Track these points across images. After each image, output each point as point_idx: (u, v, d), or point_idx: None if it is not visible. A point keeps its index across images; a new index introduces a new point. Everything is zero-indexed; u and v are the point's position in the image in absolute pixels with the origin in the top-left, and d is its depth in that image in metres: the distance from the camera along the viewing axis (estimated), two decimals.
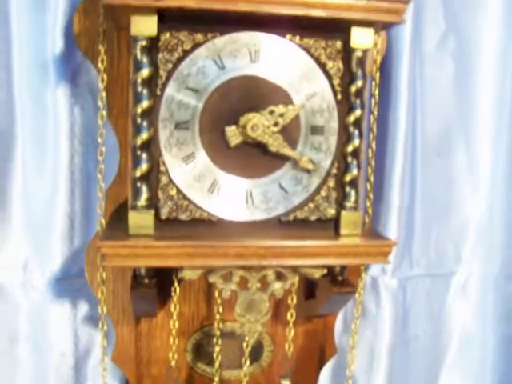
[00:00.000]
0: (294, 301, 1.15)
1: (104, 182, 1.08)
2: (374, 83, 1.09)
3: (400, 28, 1.20)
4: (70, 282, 1.22)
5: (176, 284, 1.06)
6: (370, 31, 0.98)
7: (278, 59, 0.98)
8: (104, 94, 1.05)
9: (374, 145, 1.10)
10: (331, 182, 1.02)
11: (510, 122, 1.34)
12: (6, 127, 1.13)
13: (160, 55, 0.95)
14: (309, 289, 1.21)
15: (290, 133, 0.99)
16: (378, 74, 1.08)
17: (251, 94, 0.98)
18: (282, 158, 0.99)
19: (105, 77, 1.04)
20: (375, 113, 1.09)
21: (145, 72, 0.93)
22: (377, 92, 1.09)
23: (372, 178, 1.11)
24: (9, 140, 1.13)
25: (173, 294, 1.07)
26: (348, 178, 1.01)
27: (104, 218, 1.07)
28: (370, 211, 1.12)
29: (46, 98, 1.17)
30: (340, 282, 1.08)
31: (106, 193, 1.15)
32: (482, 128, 1.33)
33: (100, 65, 1.03)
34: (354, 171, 1.01)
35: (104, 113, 1.05)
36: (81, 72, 1.18)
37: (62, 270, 1.21)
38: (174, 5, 0.90)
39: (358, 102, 1.00)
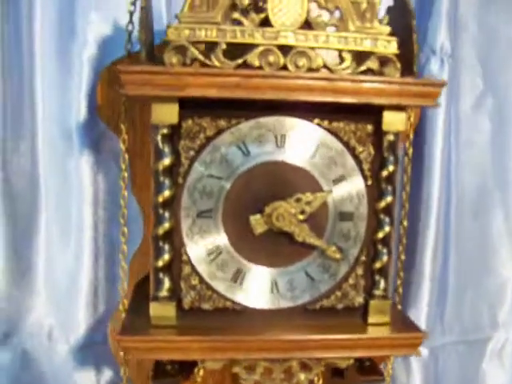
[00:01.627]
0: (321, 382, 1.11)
1: (127, 246, 1.05)
2: (406, 158, 1.04)
3: None
4: (93, 349, 1.21)
5: (199, 372, 1.03)
6: (402, 115, 0.93)
7: (305, 144, 0.94)
8: (125, 165, 1.02)
9: (405, 222, 1.05)
10: (360, 270, 0.98)
11: None
12: (30, 197, 1.12)
13: (182, 142, 0.91)
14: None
15: (317, 219, 0.95)
16: (411, 150, 1.03)
17: (277, 181, 0.94)
18: (308, 246, 0.95)
19: (126, 156, 1.01)
20: (407, 189, 1.04)
21: (166, 161, 0.90)
22: (409, 168, 1.04)
23: (403, 257, 1.06)
24: (33, 209, 1.12)
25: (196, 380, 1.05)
26: (377, 265, 0.97)
27: (128, 287, 1.05)
28: (400, 290, 1.07)
29: (70, 166, 1.15)
30: (367, 368, 1.04)
31: (131, 262, 1.12)
32: None
33: (122, 145, 1.00)
34: (384, 258, 0.97)
35: (126, 174, 1.02)
36: (104, 138, 1.16)
37: (85, 337, 1.20)
38: (196, 95, 0.87)
39: (390, 188, 0.95)
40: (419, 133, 1.17)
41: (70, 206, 1.16)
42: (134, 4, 1.00)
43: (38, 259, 1.14)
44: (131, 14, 1.00)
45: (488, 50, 1.23)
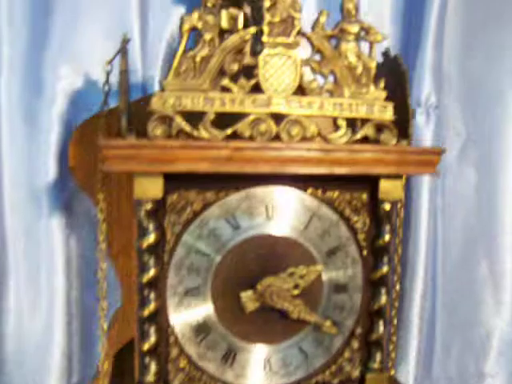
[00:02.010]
0: None
1: (106, 321, 0.98)
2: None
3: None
4: None
5: None
6: (399, 182, 0.89)
7: (297, 215, 0.89)
8: (103, 236, 0.95)
9: (397, 286, 1.01)
10: (355, 343, 0.93)
11: None
12: None
13: (167, 218, 0.85)
14: None
15: (311, 293, 0.90)
16: (402, 213, 0.99)
17: (268, 254, 0.89)
18: (302, 321, 0.90)
19: (104, 226, 0.94)
20: (399, 252, 1.00)
21: (151, 238, 0.83)
22: (401, 231, 1.00)
23: (395, 321, 1.02)
24: (1, 275, 1.04)
25: None
26: (373, 337, 0.93)
27: (106, 361, 0.98)
28: (393, 355, 1.03)
29: (39, 230, 1.07)
30: None
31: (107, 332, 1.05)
32: (505, 238, 1.24)
33: (99, 214, 0.93)
34: (380, 330, 0.93)
35: (104, 246, 0.95)
36: (76, 199, 1.08)
37: None
38: (185, 170, 0.81)
39: (385, 258, 0.91)
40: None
41: (40, 271, 1.08)
42: (110, 63, 0.92)
43: (6, 328, 1.06)
44: (108, 74, 0.93)
45: (471, 98, 1.20)
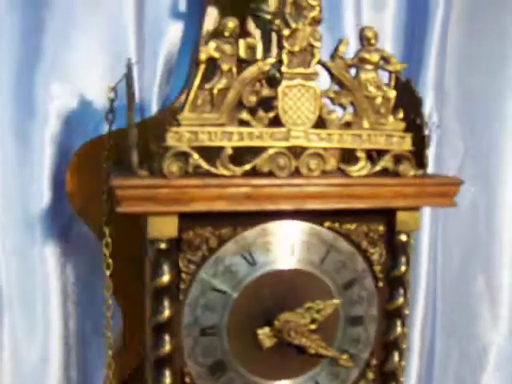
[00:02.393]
0: None
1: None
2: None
3: None
4: None
5: None
6: (416, 214, 0.87)
7: (315, 249, 0.86)
8: (109, 271, 0.91)
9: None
10: (370, 374, 0.92)
11: None
12: None
13: (182, 256, 0.81)
14: None
15: (326, 326, 0.88)
16: (411, 241, 0.97)
17: (285, 290, 0.86)
18: (319, 356, 0.88)
19: (111, 261, 0.89)
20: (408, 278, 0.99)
21: (165, 278, 0.80)
22: (411, 259, 0.98)
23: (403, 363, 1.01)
24: None
25: None
26: (388, 367, 0.92)
27: None
28: (401, 379, 1.02)
29: (34, 257, 1.02)
30: None
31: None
32: (502, 253, 1.25)
33: (104, 249, 0.88)
34: (395, 361, 0.91)
35: (111, 283, 0.91)
36: (72, 225, 1.03)
37: None
38: (203, 209, 0.77)
39: (401, 289, 0.89)
40: None
41: (35, 303, 1.03)
42: (114, 90, 0.88)
43: (1, 362, 1.01)
44: (112, 101, 0.88)
45: (470, 113, 1.19)
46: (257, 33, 0.94)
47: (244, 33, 0.90)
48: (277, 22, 0.86)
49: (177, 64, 1.08)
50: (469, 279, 1.26)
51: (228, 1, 1.00)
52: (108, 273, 0.89)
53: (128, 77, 0.83)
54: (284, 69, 0.80)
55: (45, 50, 1.01)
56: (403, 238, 0.88)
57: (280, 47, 0.80)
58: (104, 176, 0.88)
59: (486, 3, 1.19)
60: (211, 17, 1.00)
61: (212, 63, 0.79)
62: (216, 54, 0.78)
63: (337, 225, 0.87)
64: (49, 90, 1.01)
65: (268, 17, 0.90)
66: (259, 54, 0.80)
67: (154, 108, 1.04)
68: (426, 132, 0.88)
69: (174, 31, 1.07)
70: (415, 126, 0.88)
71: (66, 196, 0.98)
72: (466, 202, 1.22)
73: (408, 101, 0.88)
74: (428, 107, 1.15)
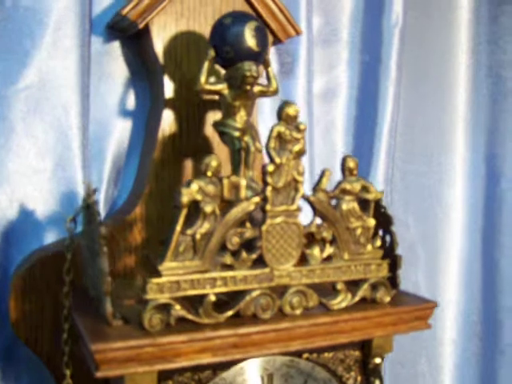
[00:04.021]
0: None
1: None
2: None
3: None
4: None
5: None
6: (391, 338, 0.87)
7: (292, 381, 0.84)
8: None
9: None
10: None
11: None
12: None
13: None
14: None
15: None
16: None
17: None
18: None
19: None
20: None
21: None
22: None
23: None
24: None
25: None
26: None
27: None
28: None
29: None
30: None
31: None
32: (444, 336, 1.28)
33: None
34: None
35: None
36: (14, 345, 0.93)
37: None
38: (188, 364, 0.72)
39: None
40: None
41: None
42: (74, 221, 0.79)
43: None
44: (71, 232, 0.79)
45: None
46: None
47: None
48: (245, 138, 0.82)
49: (125, 165, 1.00)
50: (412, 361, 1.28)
51: (184, 106, 0.94)
52: None
53: (89, 211, 0.76)
54: (268, 207, 0.76)
55: None
56: (377, 360, 0.87)
57: (264, 183, 0.76)
58: (64, 302, 0.80)
59: (432, 91, 1.22)
60: (167, 121, 0.93)
61: (193, 204, 0.73)
62: (199, 197, 0.72)
63: (315, 355, 0.84)
64: None
65: (236, 133, 0.84)
66: (243, 192, 0.76)
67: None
68: (397, 252, 0.87)
69: (122, 126, 0.99)
70: (385, 245, 0.87)
71: (7, 323, 0.88)
72: (411, 286, 1.24)
73: (377, 217, 0.87)
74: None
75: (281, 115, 0.76)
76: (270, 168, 0.75)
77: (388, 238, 0.88)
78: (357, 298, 0.83)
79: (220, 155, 0.93)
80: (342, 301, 0.82)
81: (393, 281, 0.87)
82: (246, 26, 0.83)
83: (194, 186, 0.72)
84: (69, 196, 0.94)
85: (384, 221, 0.88)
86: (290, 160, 0.76)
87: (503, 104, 1.27)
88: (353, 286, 0.83)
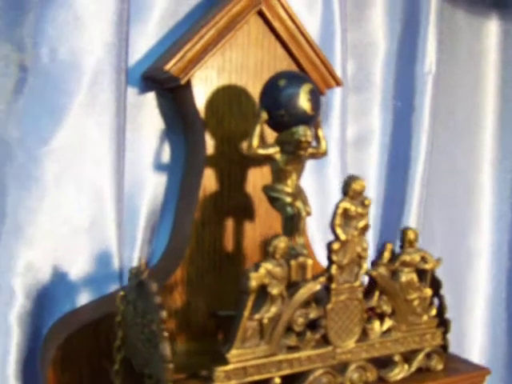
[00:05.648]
0: None
1: None
2: None
3: None
4: None
5: None
6: None
7: None
8: None
9: None
10: None
11: None
12: None
13: None
14: None
15: None
16: None
17: None
18: None
19: None
20: None
21: None
22: None
23: None
24: None
25: None
26: None
27: None
28: None
29: None
30: None
31: None
32: None
33: None
34: None
35: None
36: None
37: None
38: None
39: None
40: None
41: None
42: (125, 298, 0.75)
43: None
44: (123, 313, 0.75)
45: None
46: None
47: None
48: (297, 204, 0.80)
49: (159, 222, 0.96)
50: None
51: (226, 163, 0.90)
52: None
53: (143, 289, 0.72)
54: (334, 285, 0.73)
55: (9, 213, 0.85)
56: None
57: (329, 261, 0.73)
58: (115, 381, 0.76)
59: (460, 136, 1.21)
60: (208, 179, 0.89)
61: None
62: (266, 280, 0.69)
63: None
64: (13, 265, 0.85)
65: (288, 199, 0.81)
66: (310, 272, 0.73)
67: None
68: (447, 316, 0.86)
69: (156, 181, 0.95)
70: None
71: None
72: None
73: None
74: None
75: (347, 191, 0.73)
76: (336, 246, 0.73)
77: (436, 301, 0.87)
78: (413, 369, 0.81)
79: (259, 212, 0.91)
80: (399, 373, 0.80)
81: (443, 345, 0.86)
82: (301, 89, 0.79)
83: (262, 270, 0.69)
84: (103, 256, 0.89)
85: (433, 285, 0.86)
86: (354, 236, 0.74)
87: None
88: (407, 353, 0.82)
